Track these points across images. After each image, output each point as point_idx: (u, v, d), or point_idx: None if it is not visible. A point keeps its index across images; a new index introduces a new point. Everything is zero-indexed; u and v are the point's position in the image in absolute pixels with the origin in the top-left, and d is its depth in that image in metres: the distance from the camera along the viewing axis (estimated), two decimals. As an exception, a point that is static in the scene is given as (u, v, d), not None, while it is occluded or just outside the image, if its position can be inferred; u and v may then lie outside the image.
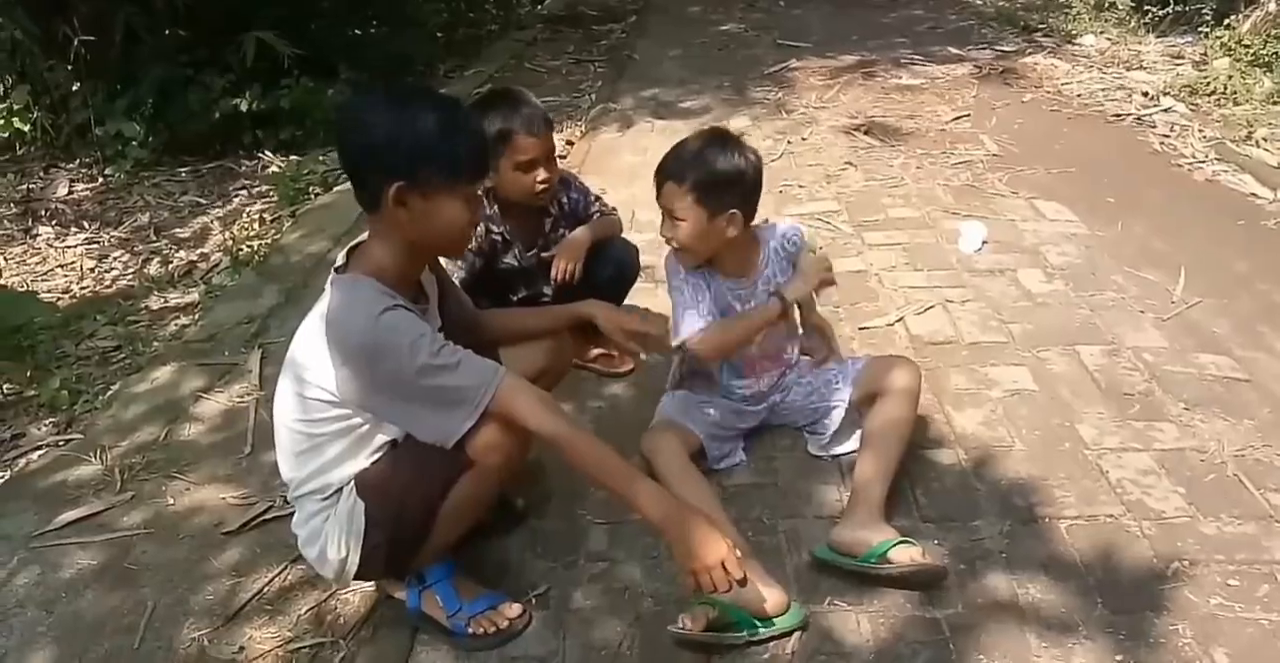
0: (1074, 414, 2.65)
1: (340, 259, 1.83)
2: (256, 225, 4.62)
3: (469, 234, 1.88)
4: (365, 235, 1.82)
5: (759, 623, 1.94)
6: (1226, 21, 6.75)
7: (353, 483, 1.86)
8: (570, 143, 5.28)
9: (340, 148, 1.79)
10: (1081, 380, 2.82)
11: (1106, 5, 8.34)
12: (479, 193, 1.86)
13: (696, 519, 1.77)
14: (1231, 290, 3.35)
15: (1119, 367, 2.89)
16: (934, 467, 2.46)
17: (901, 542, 2.04)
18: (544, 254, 2.78)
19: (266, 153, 5.55)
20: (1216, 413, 2.64)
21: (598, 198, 2.94)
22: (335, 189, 4.85)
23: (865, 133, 5.27)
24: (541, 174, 2.60)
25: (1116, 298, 3.32)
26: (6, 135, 5.57)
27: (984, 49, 7.33)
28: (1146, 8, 7.75)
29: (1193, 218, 4.05)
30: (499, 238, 2.74)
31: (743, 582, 1.75)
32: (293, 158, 5.40)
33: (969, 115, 5.62)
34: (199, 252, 4.45)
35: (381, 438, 1.85)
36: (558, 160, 2.73)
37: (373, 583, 2.12)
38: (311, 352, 1.76)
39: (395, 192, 1.69)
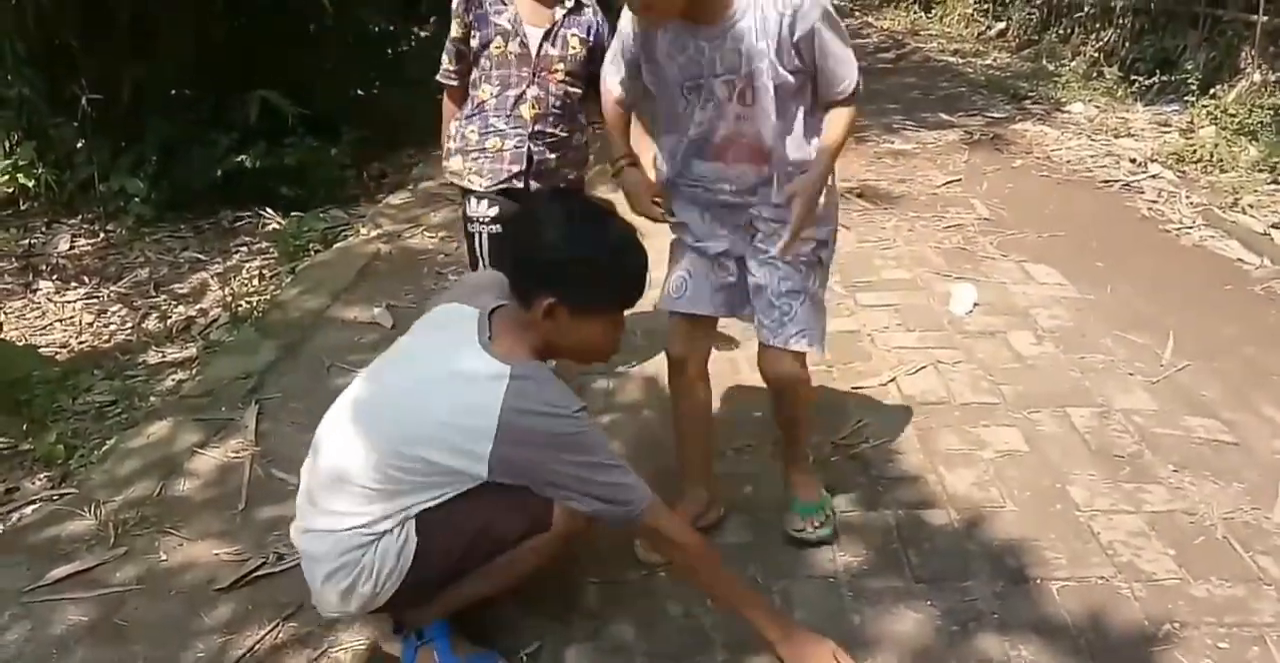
0: (1065, 476, 2.67)
1: (480, 322, 1.87)
2: (255, 281, 4.67)
3: (605, 354, 1.99)
4: (502, 303, 1.92)
5: None
6: (1212, 91, 6.93)
7: (414, 521, 1.85)
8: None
9: (511, 247, 1.96)
10: (1072, 442, 2.85)
11: (1095, 74, 8.57)
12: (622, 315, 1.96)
13: (806, 636, 1.99)
14: (1219, 354, 3.39)
15: (1109, 429, 2.91)
16: (926, 527, 2.47)
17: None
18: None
19: (268, 210, 5.62)
20: (1206, 475, 2.66)
21: None
22: (335, 246, 4.91)
23: (858, 196, 5.37)
24: None
25: (1106, 360, 3.36)
26: (11, 191, 5.65)
27: (975, 115, 7.50)
28: (1134, 77, 7.95)
29: (1181, 282, 4.11)
30: (507, 16, 2.73)
31: None
32: (294, 215, 5.47)
33: (960, 180, 5.73)
34: (197, 307, 4.49)
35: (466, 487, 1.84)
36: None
37: (366, 640, 2.12)
38: (438, 416, 1.78)
39: (547, 307, 1.80)
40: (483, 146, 2.83)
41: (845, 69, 2.10)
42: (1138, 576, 2.26)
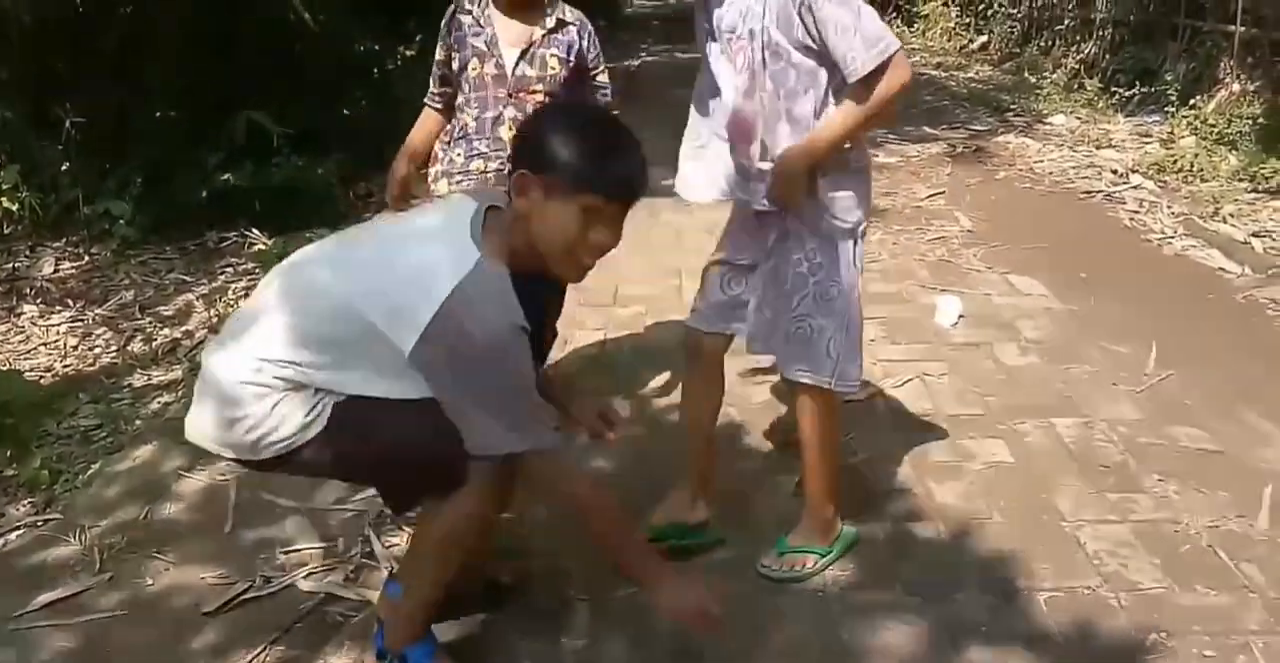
0: (1051, 487, 2.69)
1: (476, 213, 1.79)
2: (241, 302, 4.65)
3: (577, 254, 1.79)
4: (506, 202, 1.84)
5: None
6: (1191, 101, 7.00)
7: (331, 407, 1.80)
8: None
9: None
10: (1058, 453, 2.86)
11: (1076, 86, 8.64)
12: (609, 215, 1.80)
13: (679, 583, 1.89)
14: (1203, 363, 3.42)
15: (1094, 439, 2.93)
16: (914, 540, 2.48)
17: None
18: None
19: (254, 231, 5.61)
20: (1191, 484, 2.67)
21: (604, 67, 2.86)
22: (321, 266, 4.90)
23: (843, 209, 5.39)
24: None
25: (1090, 371, 3.38)
26: (-5, 214, 5.62)
27: (957, 128, 7.56)
28: (1114, 89, 8.03)
29: (1163, 292, 4.15)
30: (485, 37, 2.66)
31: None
32: (279, 237, 5.46)
33: (944, 193, 5.77)
34: (183, 329, 4.47)
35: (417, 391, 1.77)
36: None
37: (352, 663, 2.11)
38: (401, 270, 1.72)
39: (519, 178, 1.74)
40: (467, 169, 2.78)
41: (849, 42, 1.93)
42: (1124, 585, 2.27)
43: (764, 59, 2.02)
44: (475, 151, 2.76)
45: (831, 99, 2.05)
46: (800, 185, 2.07)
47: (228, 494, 2.83)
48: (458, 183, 2.80)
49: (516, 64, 2.68)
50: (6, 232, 5.63)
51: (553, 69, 2.70)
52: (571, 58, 2.72)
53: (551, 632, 2.21)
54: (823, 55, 1.98)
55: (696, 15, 2.21)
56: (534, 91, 2.71)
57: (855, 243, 2.21)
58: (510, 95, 2.70)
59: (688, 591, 1.88)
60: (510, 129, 2.70)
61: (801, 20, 1.95)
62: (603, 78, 2.83)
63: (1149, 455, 2.83)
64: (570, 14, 2.73)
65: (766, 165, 2.10)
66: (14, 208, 5.53)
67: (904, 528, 2.52)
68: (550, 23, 2.70)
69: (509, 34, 2.69)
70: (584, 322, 3.81)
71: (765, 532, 2.48)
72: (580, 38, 2.74)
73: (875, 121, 2.06)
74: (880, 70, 1.94)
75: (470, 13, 2.70)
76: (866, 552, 2.43)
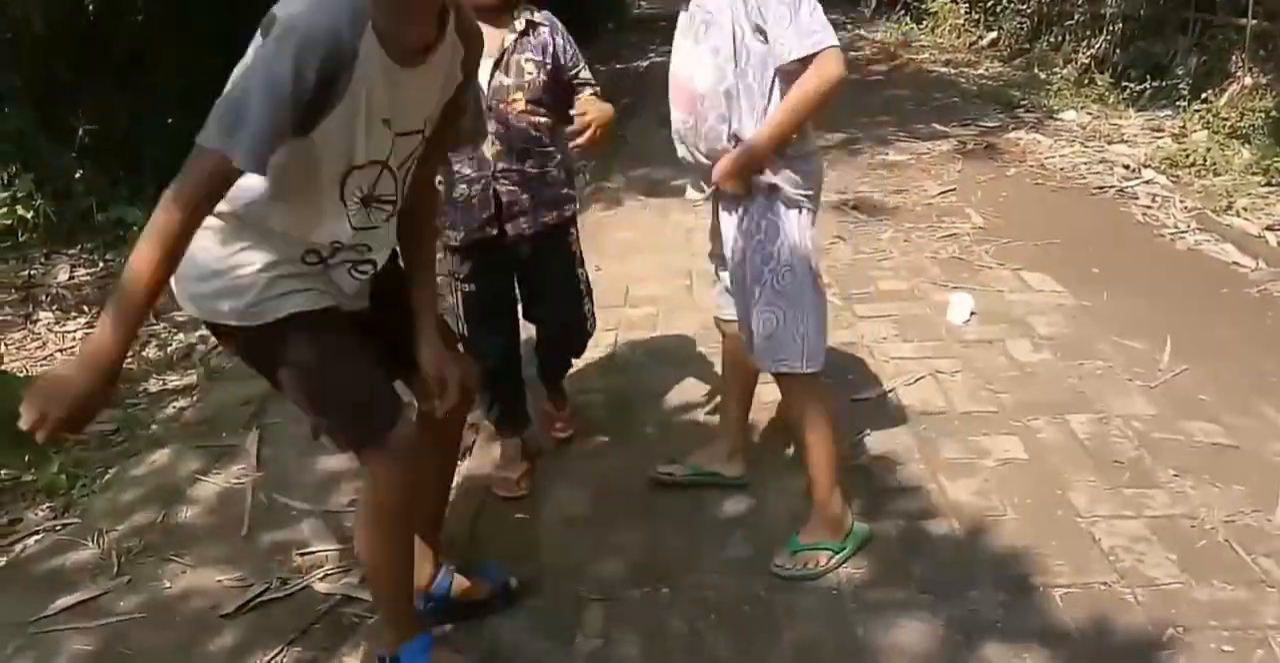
0: (1065, 483, 2.67)
1: None
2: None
3: None
4: None
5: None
6: (1203, 95, 6.96)
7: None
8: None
9: None
10: (1072, 449, 2.85)
11: (1086, 81, 8.60)
12: None
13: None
14: (1217, 358, 3.40)
15: (1109, 435, 2.92)
16: (928, 537, 2.47)
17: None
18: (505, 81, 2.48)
19: (267, 235, 5.64)
20: (1206, 479, 2.66)
21: (583, 64, 2.65)
22: (334, 270, 4.93)
23: (853, 208, 5.39)
24: None
25: (1104, 367, 3.37)
26: (10, 222, 5.66)
27: (968, 125, 7.53)
28: (1125, 83, 7.99)
29: (1177, 287, 4.12)
30: None
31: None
32: (292, 240, 5.49)
33: (955, 190, 5.75)
34: (197, 334, 4.49)
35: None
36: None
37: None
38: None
39: None
40: (452, 197, 2.56)
41: (783, 30, 2.05)
42: (1140, 581, 2.26)
43: (731, 39, 2.12)
44: (458, 175, 2.54)
45: (778, 88, 2.14)
46: (740, 178, 2.20)
47: (244, 497, 2.85)
48: (444, 213, 2.54)
49: (491, 75, 2.46)
50: (21, 239, 5.68)
51: (530, 74, 2.51)
52: (548, 60, 2.54)
53: (566, 632, 2.21)
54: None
55: None
56: (513, 102, 2.51)
57: (800, 213, 2.25)
58: (489, 109, 2.49)
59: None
60: (493, 145, 2.52)
61: (748, 2, 2.07)
62: (585, 73, 2.64)
63: (1164, 451, 2.81)
64: (539, 14, 2.56)
65: (715, 146, 2.22)
66: (28, 216, 5.58)
67: (917, 526, 2.52)
68: (519, 25, 2.50)
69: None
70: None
71: (778, 532, 2.48)
72: (554, 37, 2.56)
73: (805, 116, 2.13)
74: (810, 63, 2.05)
75: None
76: (880, 549, 2.43)
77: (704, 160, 2.25)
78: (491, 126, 2.49)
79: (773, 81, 2.12)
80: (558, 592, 2.35)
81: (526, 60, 2.51)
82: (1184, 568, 2.29)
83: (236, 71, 1.55)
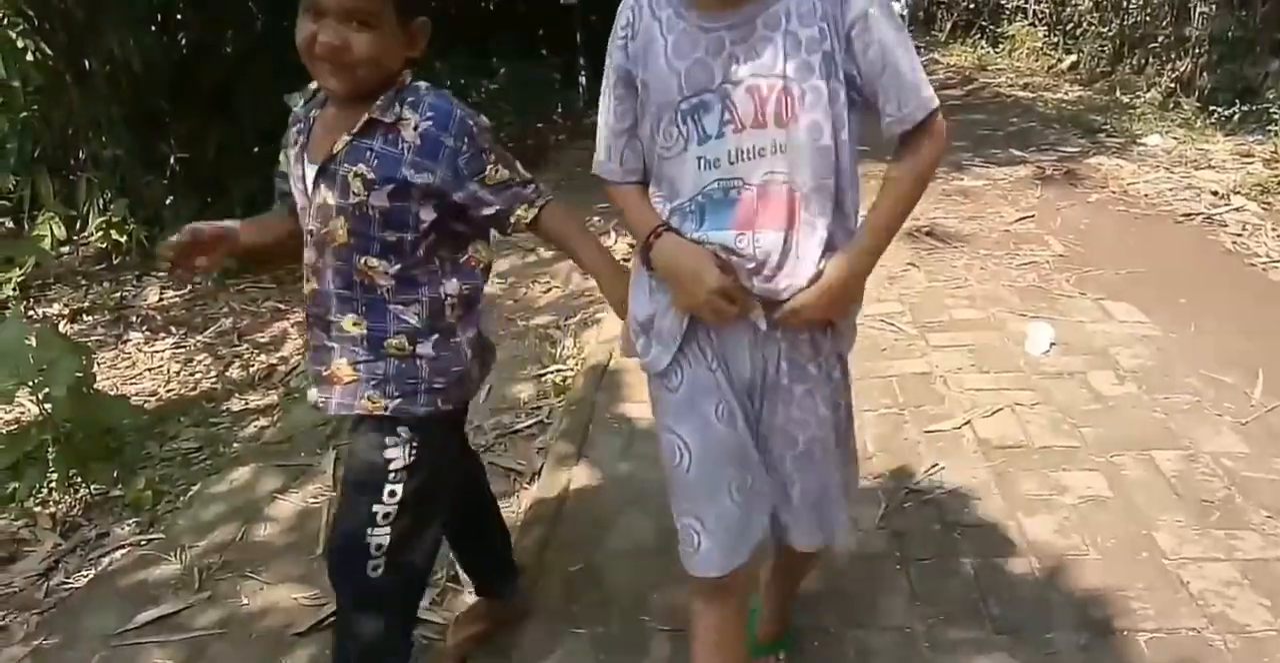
0: (1151, 522, 2.59)
1: None
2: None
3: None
4: None
5: None
6: (1296, 120, 6.73)
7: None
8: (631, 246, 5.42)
9: None
10: (1158, 486, 2.76)
11: (1171, 105, 8.40)
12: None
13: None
14: (1313, 393, 3.26)
15: (1197, 472, 2.82)
16: (1006, 576, 2.41)
17: None
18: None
19: (345, 259, 5.79)
20: (1302, 522, 2.55)
21: (512, 178, 1.74)
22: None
23: (927, 234, 5.32)
24: (323, 30, 1.59)
25: (1192, 401, 3.25)
26: (104, 246, 5.90)
27: (1047, 151, 7.39)
28: (1213, 107, 7.77)
29: (1269, 318, 3.97)
30: (299, 134, 1.76)
31: None
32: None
33: (1033, 216, 5.64)
34: (278, 355, 4.62)
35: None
36: (378, 35, 1.60)
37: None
38: None
39: None
40: (313, 363, 1.84)
41: (905, 85, 1.51)
42: (1231, 627, 2.17)
43: (819, 89, 1.49)
44: (311, 324, 1.83)
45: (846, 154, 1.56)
46: (842, 309, 1.68)
47: (319, 516, 2.91)
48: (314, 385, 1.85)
49: (315, 186, 1.70)
50: (115, 262, 5.92)
51: (357, 195, 1.65)
52: (398, 176, 1.64)
53: (631, 661, 2.20)
54: (859, 87, 1.52)
55: (616, 102, 1.65)
56: (335, 234, 1.69)
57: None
58: (313, 235, 1.74)
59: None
60: (335, 286, 1.73)
61: (849, 41, 1.48)
62: (490, 198, 1.71)
63: (1256, 490, 2.71)
64: (428, 103, 1.66)
65: (782, 273, 1.57)
66: (122, 240, 5.82)
67: (994, 563, 2.45)
68: (377, 112, 1.64)
69: (322, 138, 1.71)
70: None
71: (838, 563, 2.43)
72: (424, 141, 1.64)
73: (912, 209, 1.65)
74: (921, 128, 1.56)
75: (299, 104, 1.80)
76: (955, 588, 2.37)
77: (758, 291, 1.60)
78: (329, 261, 1.73)
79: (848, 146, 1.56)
80: (624, 620, 2.34)
81: (353, 175, 1.65)
82: (1278, 615, 2.20)
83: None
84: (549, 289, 4.91)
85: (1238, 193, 5.80)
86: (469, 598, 2.41)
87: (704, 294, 1.55)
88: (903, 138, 1.58)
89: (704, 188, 1.56)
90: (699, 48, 1.51)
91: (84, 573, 2.79)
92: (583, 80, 10.10)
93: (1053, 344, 3.76)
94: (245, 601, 2.55)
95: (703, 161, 1.55)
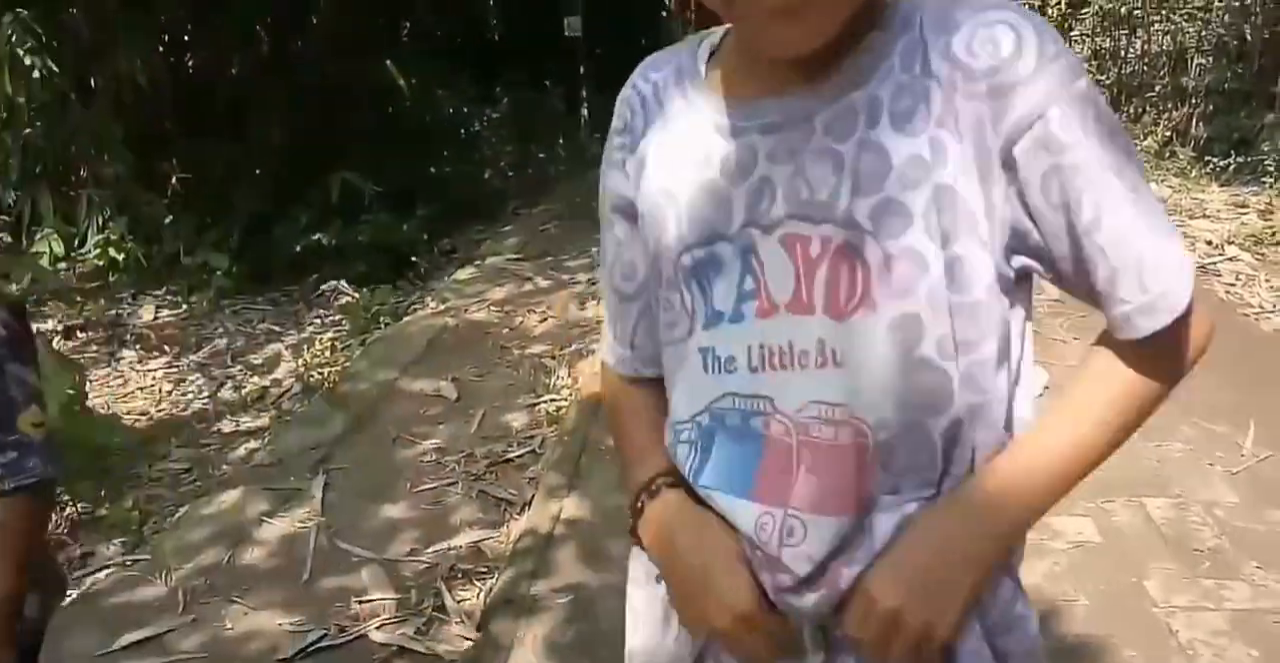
0: (1141, 569, 2.58)
1: None
2: (328, 353, 4.78)
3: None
4: None
5: None
6: (1290, 172, 6.81)
7: None
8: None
9: None
10: (1148, 534, 2.75)
11: (1168, 154, 8.48)
12: None
13: None
14: (1304, 444, 3.27)
15: (1187, 520, 2.82)
16: (995, 620, 2.40)
17: None
18: None
19: (343, 283, 5.80)
20: (1292, 573, 2.55)
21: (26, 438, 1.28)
22: (405, 319, 5.04)
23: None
24: None
25: (1184, 449, 3.26)
26: (101, 264, 5.91)
27: (1043, 195, 7.45)
28: (1208, 158, 7.85)
29: (1261, 369, 3.99)
30: None
31: None
32: (366, 289, 5.64)
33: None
34: (271, 377, 4.61)
35: None
36: None
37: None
38: None
39: None
40: None
41: (1137, 251, 0.83)
42: (1221, 678, 2.16)
43: (914, 252, 0.79)
44: None
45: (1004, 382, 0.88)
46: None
47: (307, 542, 2.89)
48: None
49: None
50: (112, 280, 5.92)
51: None
52: None
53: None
54: (1038, 251, 0.85)
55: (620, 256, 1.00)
56: None
57: None
58: None
59: None
60: None
61: (1012, 165, 0.80)
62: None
63: (1247, 541, 2.70)
64: None
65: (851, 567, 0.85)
66: (119, 258, 5.83)
67: (984, 606, 2.44)
68: None
69: None
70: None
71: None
72: None
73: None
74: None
75: None
76: (945, 629, 2.36)
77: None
78: None
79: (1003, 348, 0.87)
80: (613, 653, 2.32)
81: None
82: (1267, 667, 2.19)
83: None
84: (545, 318, 4.92)
85: (1232, 243, 5.84)
86: (455, 628, 2.39)
87: (723, 621, 0.89)
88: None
89: (711, 403, 0.89)
90: (714, 159, 0.86)
91: (68, 593, 2.76)
92: (585, 111, 10.19)
93: (1046, 389, 3.76)
94: (229, 625, 2.52)
95: (710, 358, 0.88)
